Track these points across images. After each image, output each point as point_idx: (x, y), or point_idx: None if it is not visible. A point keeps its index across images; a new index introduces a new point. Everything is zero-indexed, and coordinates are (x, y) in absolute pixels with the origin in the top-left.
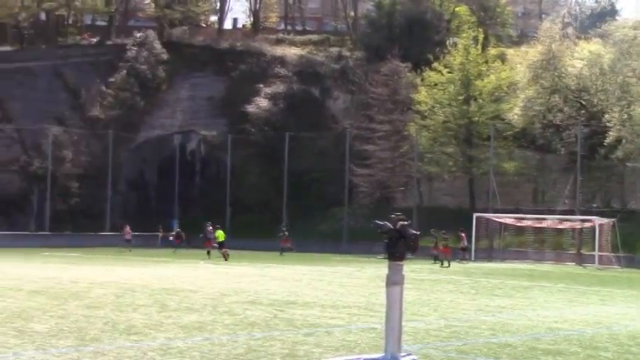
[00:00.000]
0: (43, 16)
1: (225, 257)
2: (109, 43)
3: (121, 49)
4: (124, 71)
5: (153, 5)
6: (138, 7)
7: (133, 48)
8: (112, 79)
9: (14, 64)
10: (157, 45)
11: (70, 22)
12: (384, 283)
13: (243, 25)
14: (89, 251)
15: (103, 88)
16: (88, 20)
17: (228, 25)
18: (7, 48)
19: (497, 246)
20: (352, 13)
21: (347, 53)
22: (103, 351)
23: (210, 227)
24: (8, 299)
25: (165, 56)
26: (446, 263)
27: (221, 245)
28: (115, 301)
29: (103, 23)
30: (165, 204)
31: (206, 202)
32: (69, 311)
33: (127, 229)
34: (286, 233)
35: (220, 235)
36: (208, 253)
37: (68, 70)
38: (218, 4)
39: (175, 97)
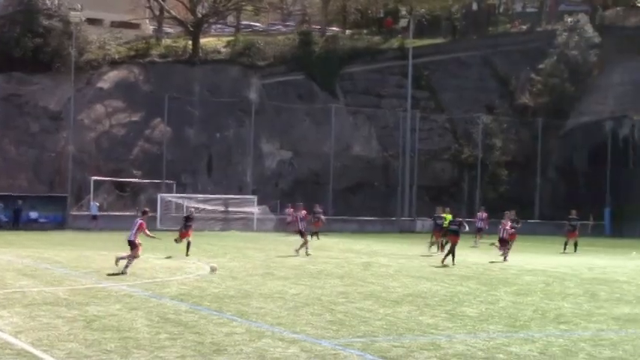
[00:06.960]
0: (474, 6)
1: None
2: (538, 29)
3: (551, 35)
4: (554, 57)
5: None
6: None
7: (564, 33)
8: (541, 66)
9: (447, 55)
10: (589, 29)
11: (501, 10)
12: None
13: None
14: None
15: (532, 75)
16: (518, 8)
17: None
18: (441, 40)
19: None
20: None
21: None
22: (532, 338)
23: None
24: (441, 283)
25: (596, 40)
26: None
27: None
28: (544, 289)
29: (534, 10)
30: (595, 192)
31: (639, 189)
32: (498, 297)
33: None
34: None
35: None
36: None
37: (498, 58)
38: None
39: (607, 82)
